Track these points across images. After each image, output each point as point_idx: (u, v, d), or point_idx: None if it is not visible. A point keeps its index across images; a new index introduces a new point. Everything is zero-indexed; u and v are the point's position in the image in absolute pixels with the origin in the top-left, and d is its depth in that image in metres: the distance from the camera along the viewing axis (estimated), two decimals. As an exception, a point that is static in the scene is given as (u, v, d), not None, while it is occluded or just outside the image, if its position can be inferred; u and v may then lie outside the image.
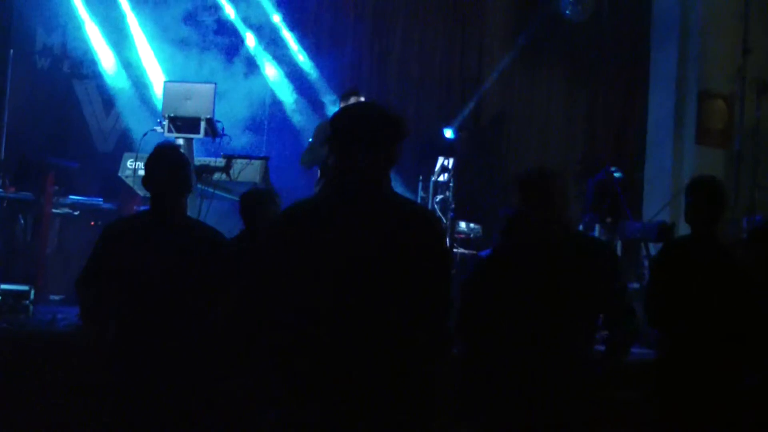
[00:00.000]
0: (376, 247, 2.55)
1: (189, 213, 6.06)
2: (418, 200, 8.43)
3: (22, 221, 7.53)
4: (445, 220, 8.42)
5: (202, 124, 6.53)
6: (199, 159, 6.91)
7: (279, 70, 9.76)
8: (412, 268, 2.56)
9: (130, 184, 6.95)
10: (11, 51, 7.98)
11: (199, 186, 6.77)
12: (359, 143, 2.65)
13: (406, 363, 2.55)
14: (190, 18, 9.54)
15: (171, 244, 3.45)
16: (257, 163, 7.01)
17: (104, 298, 3.44)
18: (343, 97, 7.22)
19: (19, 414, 4.98)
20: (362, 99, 6.95)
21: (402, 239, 2.57)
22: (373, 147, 2.65)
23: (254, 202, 4.76)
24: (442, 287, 2.65)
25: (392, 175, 2.75)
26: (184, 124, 6.56)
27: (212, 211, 7.57)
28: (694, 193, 3.95)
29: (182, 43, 9.42)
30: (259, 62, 9.72)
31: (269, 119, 9.24)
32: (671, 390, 3.87)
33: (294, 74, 9.86)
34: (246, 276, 2.73)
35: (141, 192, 7.01)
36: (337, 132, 2.71)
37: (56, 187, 7.52)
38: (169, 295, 3.38)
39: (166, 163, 3.56)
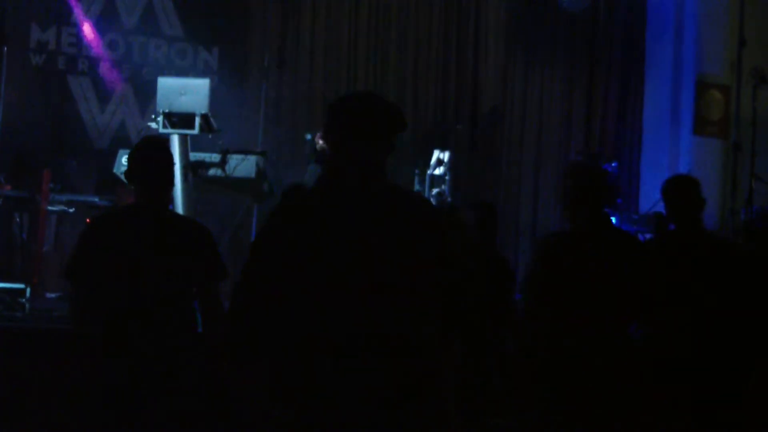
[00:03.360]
0: (381, 239, 2.51)
1: (185, 209, 6.11)
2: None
3: (18, 219, 7.51)
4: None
5: (197, 120, 6.49)
6: (194, 154, 6.88)
7: (274, 65, 9.73)
8: (417, 260, 2.53)
9: (126, 180, 6.93)
10: (5, 47, 7.94)
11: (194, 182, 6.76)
12: (360, 134, 2.60)
13: (410, 358, 2.51)
14: (184, 13, 9.52)
15: (157, 236, 3.43)
16: (253, 158, 6.99)
17: (91, 290, 3.42)
18: None
19: (15, 412, 4.97)
20: None
21: (406, 230, 2.54)
22: (374, 138, 2.61)
23: None
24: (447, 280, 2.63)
25: (388, 167, 2.71)
26: (179, 119, 6.53)
27: (208, 206, 7.56)
28: (674, 194, 4.04)
29: (177, 38, 9.39)
30: (253, 57, 9.68)
31: (265, 114, 9.21)
32: (664, 380, 3.87)
33: (288, 69, 9.82)
34: (244, 272, 2.68)
35: (136, 188, 6.99)
36: (336, 122, 2.65)
37: (52, 185, 7.49)
38: (156, 288, 3.37)
39: (152, 155, 3.54)
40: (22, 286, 6.13)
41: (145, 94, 9.09)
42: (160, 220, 3.48)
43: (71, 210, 7.71)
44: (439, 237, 2.63)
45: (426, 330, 2.55)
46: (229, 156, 6.91)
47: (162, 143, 3.74)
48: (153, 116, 6.68)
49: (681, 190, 4.05)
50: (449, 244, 2.70)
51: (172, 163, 3.58)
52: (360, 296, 2.48)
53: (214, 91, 6.73)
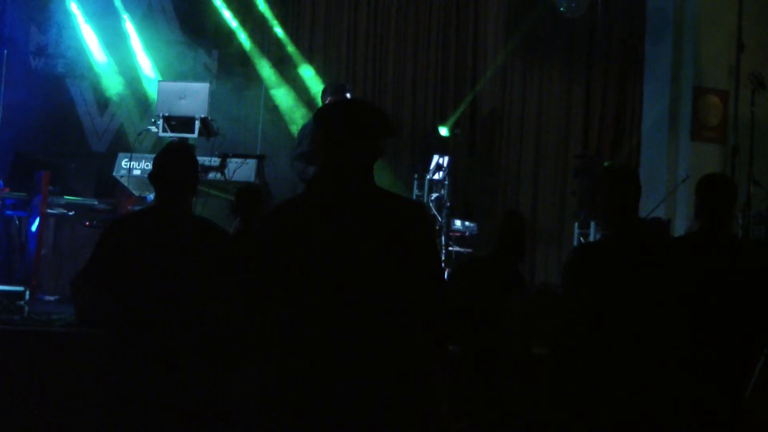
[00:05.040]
0: (371, 243, 2.54)
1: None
2: (414, 198, 8.44)
3: (17, 222, 7.51)
4: (440, 218, 8.44)
5: (197, 124, 6.51)
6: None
7: (273, 68, 9.75)
8: (407, 262, 2.55)
9: (125, 183, 6.94)
10: (5, 51, 7.96)
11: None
12: (349, 140, 2.63)
13: (404, 359, 2.53)
14: (183, 17, 9.53)
15: (181, 241, 3.43)
16: (252, 162, 7.00)
17: (105, 296, 3.42)
18: (331, 92, 6.84)
19: (13, 414, 4.97)
20: (348, 96, 6.86)
21: (396, 233, 2.57)
22: (363, 144, 2.65)
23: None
24: (439, 281, 2.65)
25: (388, 172, 2.73)
26: (178, 123, 6.55)
27: (207, 210, 7.57)
28: (710, 191, 3.95)
29: (176, 42, 9.40)
30: (253, 61, 9.70)
31: (264, 118, 9.22)
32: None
33: (288, 72, 9.84)
34: (240, 276, 2.71)
35: (136, 191, 7.00)
36: (325, 129, 2.69)
37: (51, 188, 7.50)
38: (179, 293, 3.36)
39: (181, 161, 3.54)
40: (20, 288, 6.12)
41: (145, 97, 9.11)
42: (176, 224, 3.47)
43: (70, 213, 7.72)
44: (425, 239, 2.65)
45: (417, 331, 2.57)
46: (228, 160, 6.92)
47: (184, 149, 3.74)
48: (152, 120, 6.69)
49: (712, 190, 3.90)
50: (433, 247, 2.73)
51: (192, 170, 3.57)
52: (350, 299, 2.51)
53: (213, 95, 6.75)
